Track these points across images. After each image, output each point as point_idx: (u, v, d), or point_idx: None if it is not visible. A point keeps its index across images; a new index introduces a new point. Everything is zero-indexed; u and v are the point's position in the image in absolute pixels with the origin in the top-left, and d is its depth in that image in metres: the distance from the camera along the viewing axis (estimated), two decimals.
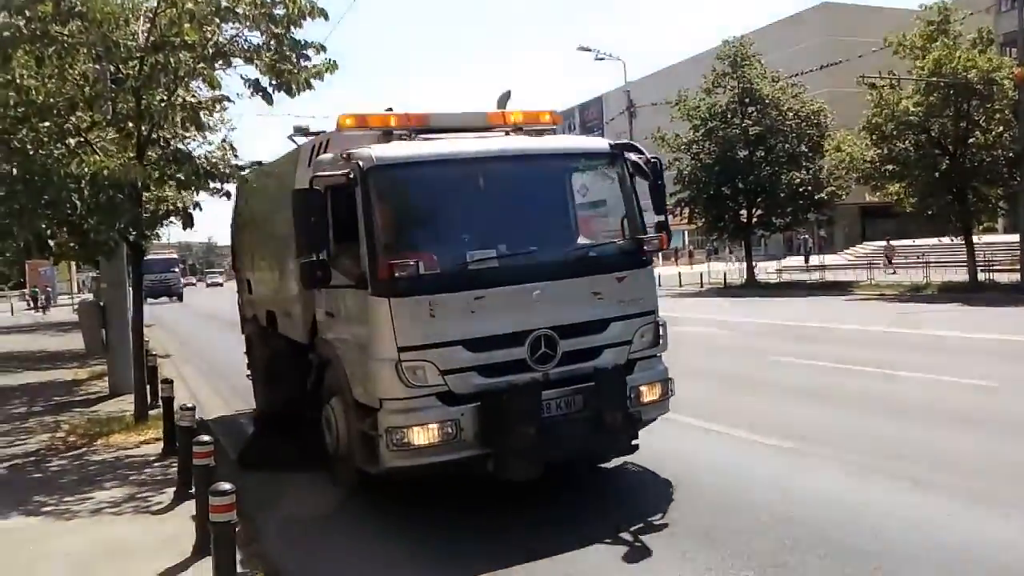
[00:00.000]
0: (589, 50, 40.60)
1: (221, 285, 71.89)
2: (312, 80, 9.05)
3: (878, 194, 29.38)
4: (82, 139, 9.41)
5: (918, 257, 28.27)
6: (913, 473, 6.30)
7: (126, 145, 9.53)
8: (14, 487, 7.40)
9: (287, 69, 8.86)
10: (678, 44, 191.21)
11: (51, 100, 8.96)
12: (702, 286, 34.10)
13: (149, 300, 40.92)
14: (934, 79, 23.69)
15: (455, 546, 5.51)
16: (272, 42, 8.92)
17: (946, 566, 4.67)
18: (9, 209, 11.17)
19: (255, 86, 9.07)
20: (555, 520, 5.83)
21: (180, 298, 51.28)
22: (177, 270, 55.29)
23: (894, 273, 31.87)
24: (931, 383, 10.08)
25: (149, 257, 40.07)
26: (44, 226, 11.72)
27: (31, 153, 9.42)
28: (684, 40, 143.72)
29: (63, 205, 9.80)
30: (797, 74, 33.55)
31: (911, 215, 28.29)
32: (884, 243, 38.64)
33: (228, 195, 10.14)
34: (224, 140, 10.28)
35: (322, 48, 9.07)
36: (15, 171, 9.80)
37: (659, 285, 29.46)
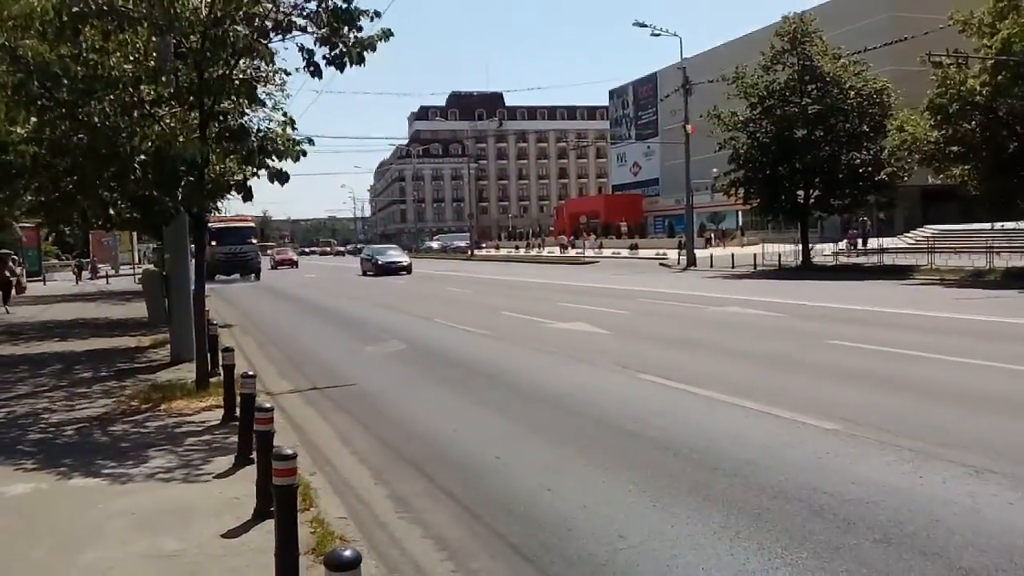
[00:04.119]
0: (645, 26, 40.17)
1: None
2: (364, 53, 9.10)
3: (941, 176, 28.62)
4: (147, 111, 9.61)
5: (987, 242, 27.41)
6: (971, 461, 6.17)
7: (188, 119, 9.74)
8: (81, 449, 7.68)
9: (339, 41, 8.94)
10: (736, 20, 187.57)
11: (116, 73, 9.18)
12: (755, 268, 33.64)
13: (219, 278, 39.53)
14: (1003, 57, 22.90)
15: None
16: (326, 15, 9.01)
17: (1007, 552, 4.58)
18: (74, 179, 11.57)
19: (308, 59, 9.18)
20: (601, 495, 5.87)
21: (257, 275, 43.07)
22: (254, 241, 45.28)
23: (858, 256, 32.63)
24: (990, 371, 9.84)
25: (219, 225, 39.73)
26: (107, 196, 12.15)
27: (97, 126, 9.68)
28: (742, 16, 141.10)
29: (127, 177, 10.09)
30: (860, 51, 32.68)
31: (975, 198, 27.51)
32: (854, 230, 38.63)
33: (286, 178, 10.05)
34: (285, 115, 10.42)
35: (376, 15, 9.11)
36: (82, 143, 10.12)
37: (710, 266, 29.40)
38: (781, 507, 5.44)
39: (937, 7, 31.03)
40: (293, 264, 61.08)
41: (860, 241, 39.54)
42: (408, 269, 42.86)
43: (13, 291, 27.37)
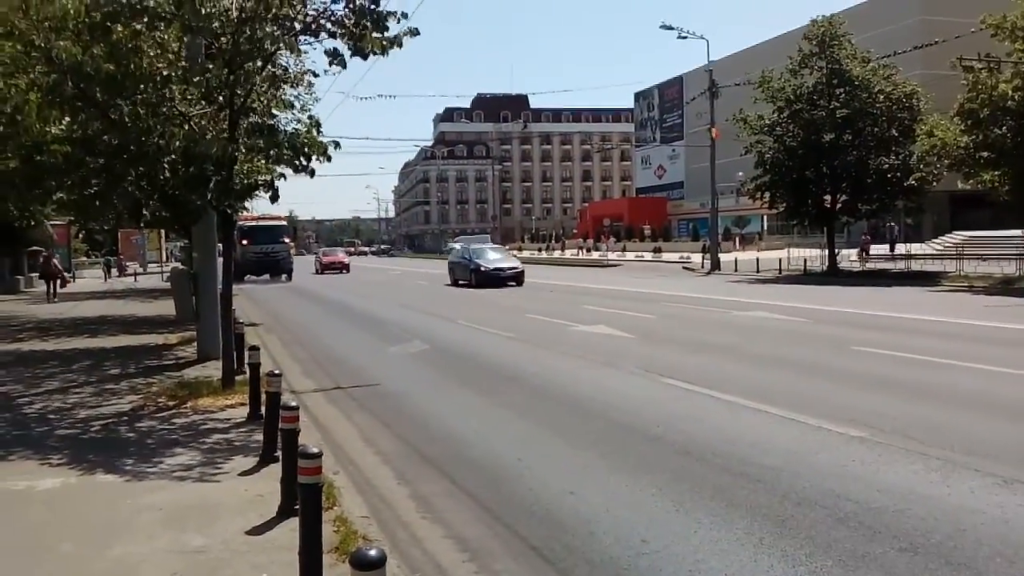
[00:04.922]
0: (672, 28, 40.10)
1: None
2: (387, 47, 9.15)
3: (970, 182, 28.24)
4: (177, 111, 9.71)
5: (1018, 249, 27.03)
6: (1000, 471, 6.09)
7: (219, 118, 9.83)
8: (108, 445, 7.78)
9: (365, 35, 8.99)
10: (765, 23, 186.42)
11: (147, 72, 9.31)
12: (780, 272, 33.38)
13: (248, 278, 38.76)
14: None
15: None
16: (353, 16, 9.07)
17: None
18: (107, 178, 11.74)
19: (333, 55, 9.26)
20: (626, 502, 5.87)
21: (289, 276, 40.77)
22: (287, 240, 42.76)
23: (866, 263, 32.55)
24: (1020, 379, 9.70)
25: (250, 224, 39.58)
26: (138, 194, 12.31)
27: (128, 125, 9.81)
28: (771, 19, 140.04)
29: (156, 176, 10.22)
30: (890, 55, 32.32)
31: (1006, 204, 27.14)
32: (863, 237, 38.29)
33: (312, 172, 10.25)
34: (311, 117, 10.51)
35: (403, 16, 9.17)
36: (113, 142, 10.27)
37: (735, 270, 29.10)
38: (805, 514, 5.40)
39: (969, 11, 30.59)
40: (344, 268, 49.81)
41: (887, 246, 39.11)
42: (519, 279, 31.36)
43: (58, 284, 30.51)
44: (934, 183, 30.80)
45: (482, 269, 31.69)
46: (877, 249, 38.75)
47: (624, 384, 10.42)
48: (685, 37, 40.52)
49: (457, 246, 41.26)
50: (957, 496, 5.63)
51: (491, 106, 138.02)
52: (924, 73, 36.97)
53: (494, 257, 33.33)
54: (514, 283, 30.98)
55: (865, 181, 30.46)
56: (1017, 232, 32.61)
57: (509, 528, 5.47)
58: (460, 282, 33.18)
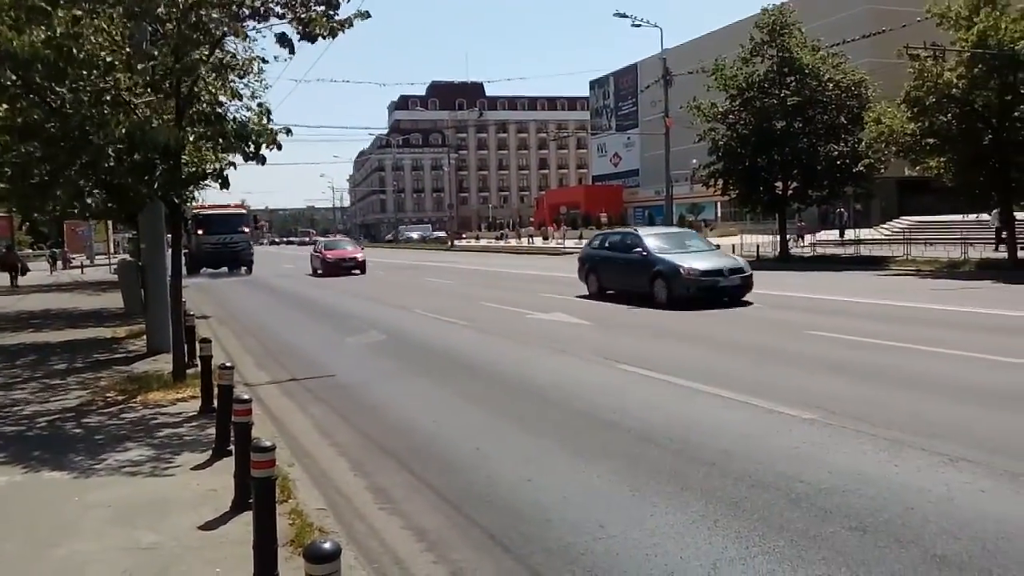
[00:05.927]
0: (625, 16, 40.17)
1: None
2: (337, 29, 9.01)
3: (917, 168, 28.87)
4: (121, 99, 9.45)
5: (961, 233, 27.75)
6: (946, 450, 6.24)
7: (165, 107, 9.60)
8: (55, 441, 7.59)
9: (312, 18, 8.85)
10: (717, 11, 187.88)
11: (90, 58, 9.03)
12: None
13: (206, 270, 37.74)
14: (979, 51, 23.09)
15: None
16: None
17: (979, 539, 4.64)
18: (49, 168, 11.40)
19: (281, 39, 9.10)
20: (586, 485, 5.89)
21: (249, 269, 38.72)
22: (246, 230, 40.12)
23: (804, 248, 34.01)
24: (965, 360, 9.96)
25: (206, 212, 38.61)
26: (82, 184, 11.97)
27: (70, 113, 9.52)
28: (724, 7, 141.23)
29: (100, 165, 9.94)
30: (839, 43, 32.82)
31: (950, 190, 27.80)
32: (799, 224, 39.34)
33: (263, 160, 10.07)
34: (260, 105, 10.32)
35: None
36: (54, 131, 9.95)
37: None
38: (759, 496, 5.48)
39: (915, 0, 31.19)
40: (358, 268, 34.50)
41: (837, 231, 39.83)
42: (746, 288, 17.26)
43: (18, 274, 33.98)
44: (882, 169, 31.37)
45: (684, 274, 16.88)
46: (828, 235, 39.49)
47: (581, 371, 10.47)
48: (639, 25, 40.69)
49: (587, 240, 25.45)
50: (905, 475, 5.76)
51: (446, 94, 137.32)
52: (872, 61, 37.59)
53: (691, 251, 18.20)
54: (737, 295, 17.20)
55: (815, 168, 30.94)
56: (960, 216, 33.51)
57: (467, 518, 5.46)
58: (608, 291, 19.52)
